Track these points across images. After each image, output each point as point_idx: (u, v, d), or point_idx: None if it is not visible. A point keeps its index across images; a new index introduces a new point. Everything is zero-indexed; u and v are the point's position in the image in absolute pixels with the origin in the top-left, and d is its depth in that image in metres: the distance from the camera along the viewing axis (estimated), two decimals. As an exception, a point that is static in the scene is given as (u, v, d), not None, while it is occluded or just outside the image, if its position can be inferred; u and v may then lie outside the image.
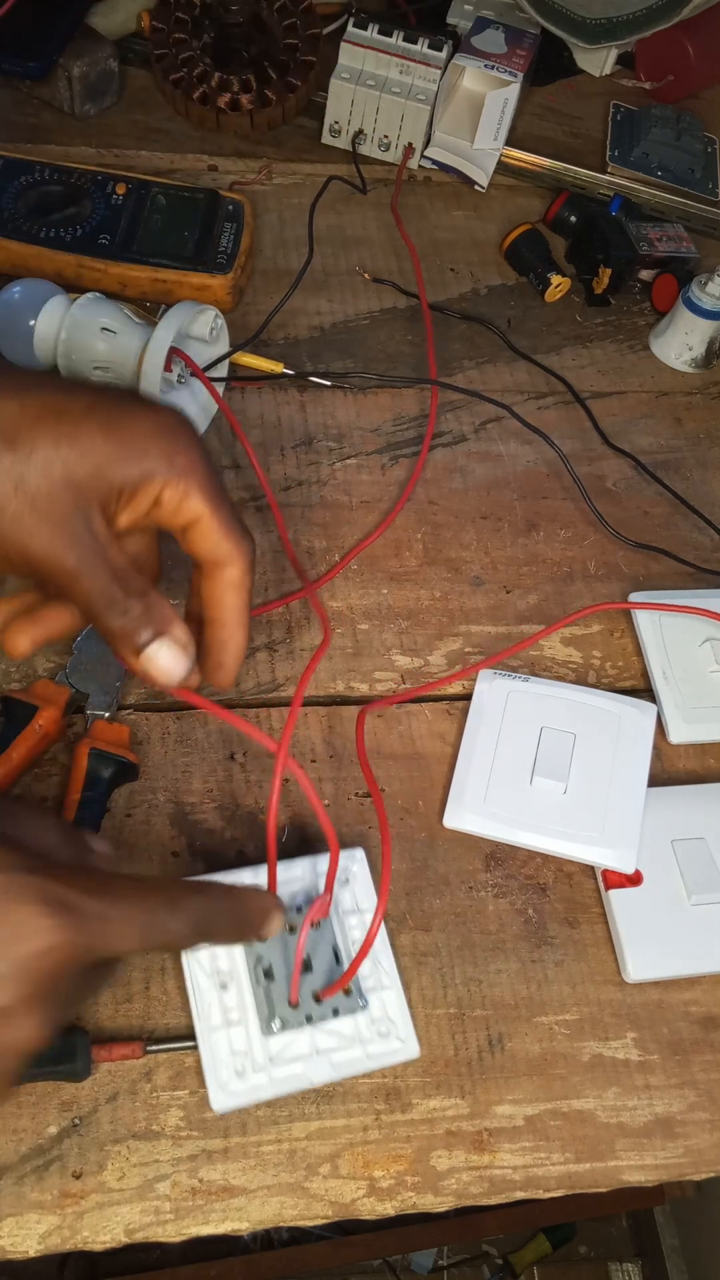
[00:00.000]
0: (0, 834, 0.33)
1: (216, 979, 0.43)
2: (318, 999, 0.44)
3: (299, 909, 0.45)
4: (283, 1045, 0.43)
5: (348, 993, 0.44)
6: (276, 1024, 0.43)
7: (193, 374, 0.60)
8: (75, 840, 0.37)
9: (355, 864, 0.47)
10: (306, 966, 0.44)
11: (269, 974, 0.44)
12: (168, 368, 0.56)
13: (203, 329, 0.60)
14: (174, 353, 0.57)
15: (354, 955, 0.43)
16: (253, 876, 0.46)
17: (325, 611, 0.56)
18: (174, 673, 0.39)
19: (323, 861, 0.46)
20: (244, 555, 0.41)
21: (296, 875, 0.46)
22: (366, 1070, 0.44)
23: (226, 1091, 0.42)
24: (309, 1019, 0.43)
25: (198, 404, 0.62)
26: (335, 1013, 0.43)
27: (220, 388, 0.62)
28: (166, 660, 0.38)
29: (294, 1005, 0.43)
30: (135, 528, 0.39)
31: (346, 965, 0.44)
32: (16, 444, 0.34)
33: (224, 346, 0.62)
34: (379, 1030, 0.44)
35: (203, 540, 0.40)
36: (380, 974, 0.45)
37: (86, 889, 0.32)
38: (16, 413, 0.35)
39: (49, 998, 0.31)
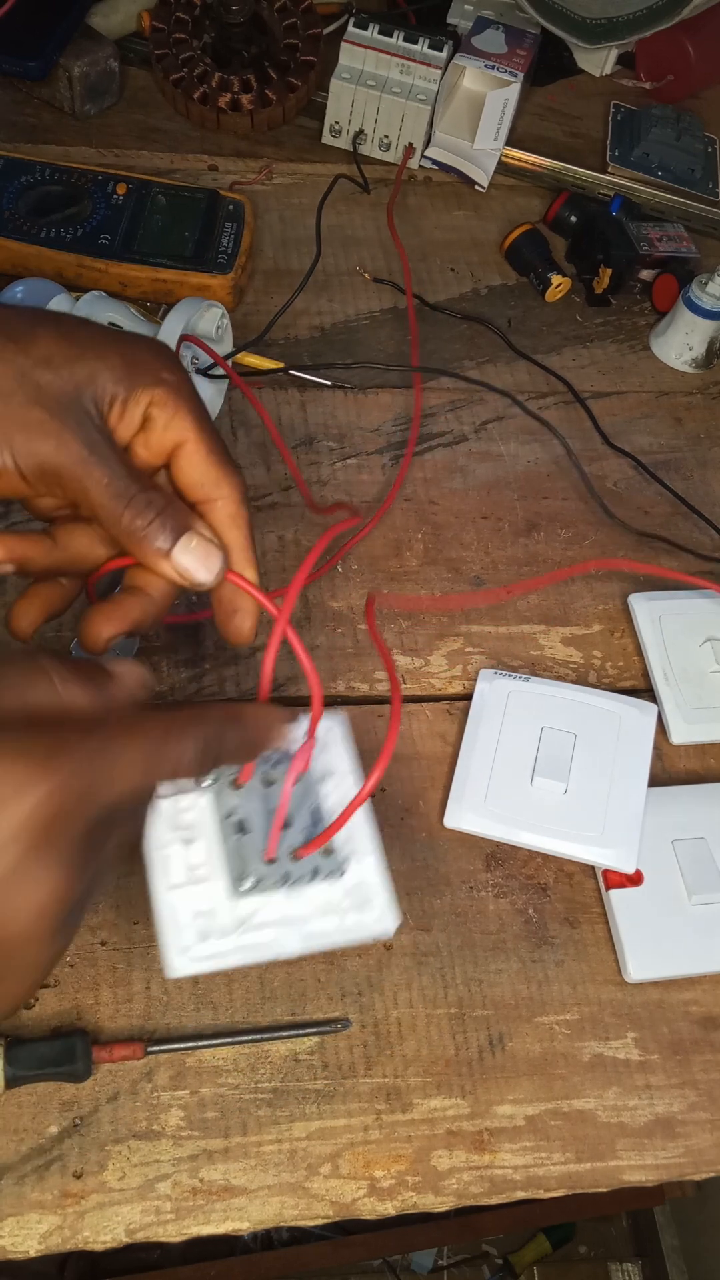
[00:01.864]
0: None
1: (180, 833, 0.39)
2: (295, 857, 0.39)
3: (275, 765, 0.40)
4: (253, 909, 0.38)
5: (328, 853, 0.40)
6: (249, 882, 0.38)
7: (201, 369, 0.60)
8: (79, 680, 0.33)
9: (338, 726, 0.42)
10: (285, 824, 0.40)
11: (242, 827, 0.39)
12: None
13: (209, 326, 0.60)
14: (186, 340, 0.56)
15: (335, 818, 0.39)
16: None
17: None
18: (209, 570, 0.37)
19: (307, 721, 0.41)
20: (237, 485, 0.39)
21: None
22: (341, 944, 0.39)
23: (187, 955, 0.37)
24: (286, 878, 0.39)
25: (204, 400, 0.62)
26: (314, 873, 0.39)
27: (223, 387, 0.62)
28: (198, 555, 0.37)
29: (270, 862, 0.39)
30: (125, 445, 0.38)
31: (326, 827, 0.40)
32: (18, 339, 0.35)
33: (228, 346, 0.62)
34: (355, 900, 0.39)
35: (192, 467, 0.38)
36: (357, 839, 0.40)
37: (75, 731, 0.30)
38: (15, 315, 0.36)
39: (61, 846, 0.29)
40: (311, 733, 0.40)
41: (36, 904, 0.29)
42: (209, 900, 0.38)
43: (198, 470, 0.38)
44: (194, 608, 0.55)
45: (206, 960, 0.38)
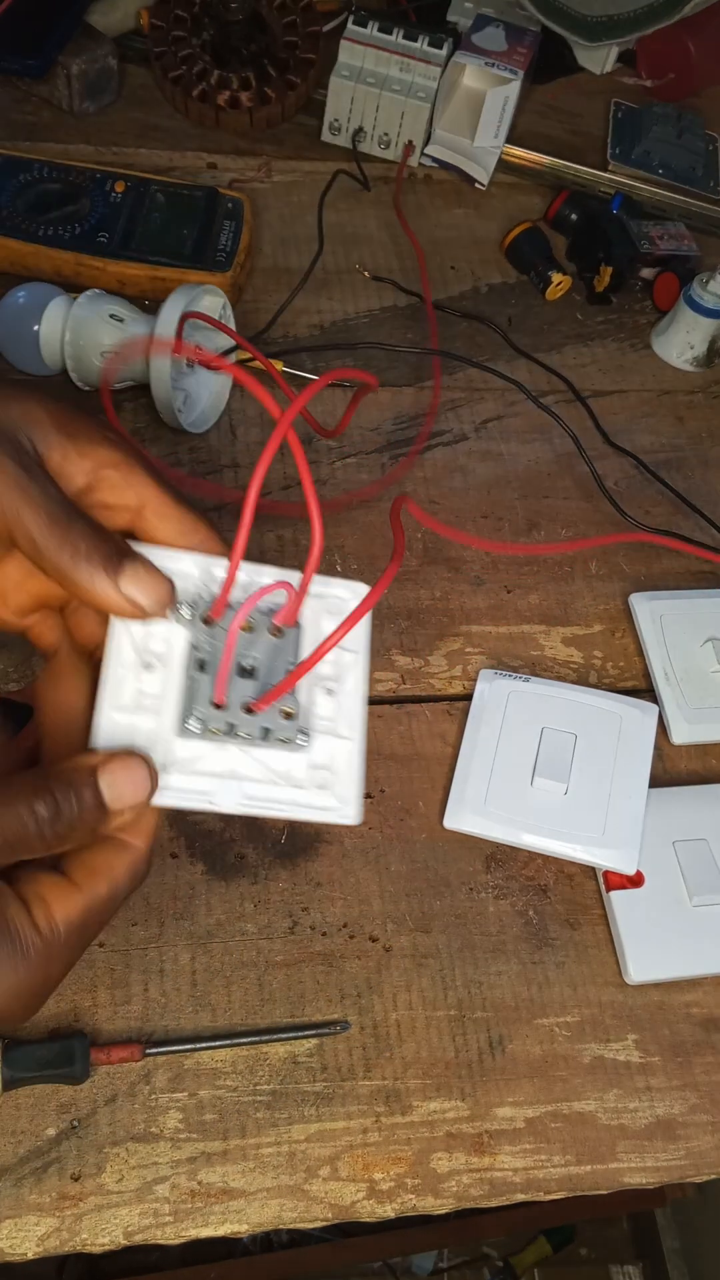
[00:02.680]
0: None
1: (142, 657, 0.36)
2: (250, 710, 0.36)
3: (264, 612, 0.37)
4: (195, 754, 0.35)
5: (288, 716, 0.36)
6: (194, 724, 0.35)
7: (205, 362, 0.59)
8: None
9: (354, 598, 0.38)
10: (249, 673, 0.36)
11: (202, 667, 0.36)
12: (177, 350, 0.55)
13: (210, 313, 0.59)
14: (190, 318, 0.56)
15: (310, 654, 0.35)
16: (207, 566, 0.36)
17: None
18: (156, 599, 0.34)
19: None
20: (212, 526, 0.37)
21: (270, 584, 0.37)
22: (285, 816, 0.36)
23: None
24: (231, 729, 0.36)
25: (209, 392, 0.62)
26: (265, 734, 0.36)
27: (228, 382, 0.62)
28: (146, 581, 0.34)
29: (218, 707, 0.35)
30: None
31: (298, 664, 0.36)
32: None
33: (229, 340, 0.62)
34: (316, 780, 0.36)
35: (164, 521, 0.36)
36: (340, 720, 0.37)
37: None
38: None
39: None
40: (304, 585, 0.36)
41: None
42: (149, 733, 0.35)
43: (172, 524, 0.36)
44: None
45: None
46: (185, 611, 0.36)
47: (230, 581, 0.35)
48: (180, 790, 0.35)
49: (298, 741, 0.36)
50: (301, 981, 0.47)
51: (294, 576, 0.37)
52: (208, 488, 0.57)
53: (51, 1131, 0.43)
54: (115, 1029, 0.45)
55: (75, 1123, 0.43)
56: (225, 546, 0.36)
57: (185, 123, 0.76)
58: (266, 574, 0.37)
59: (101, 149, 0.73)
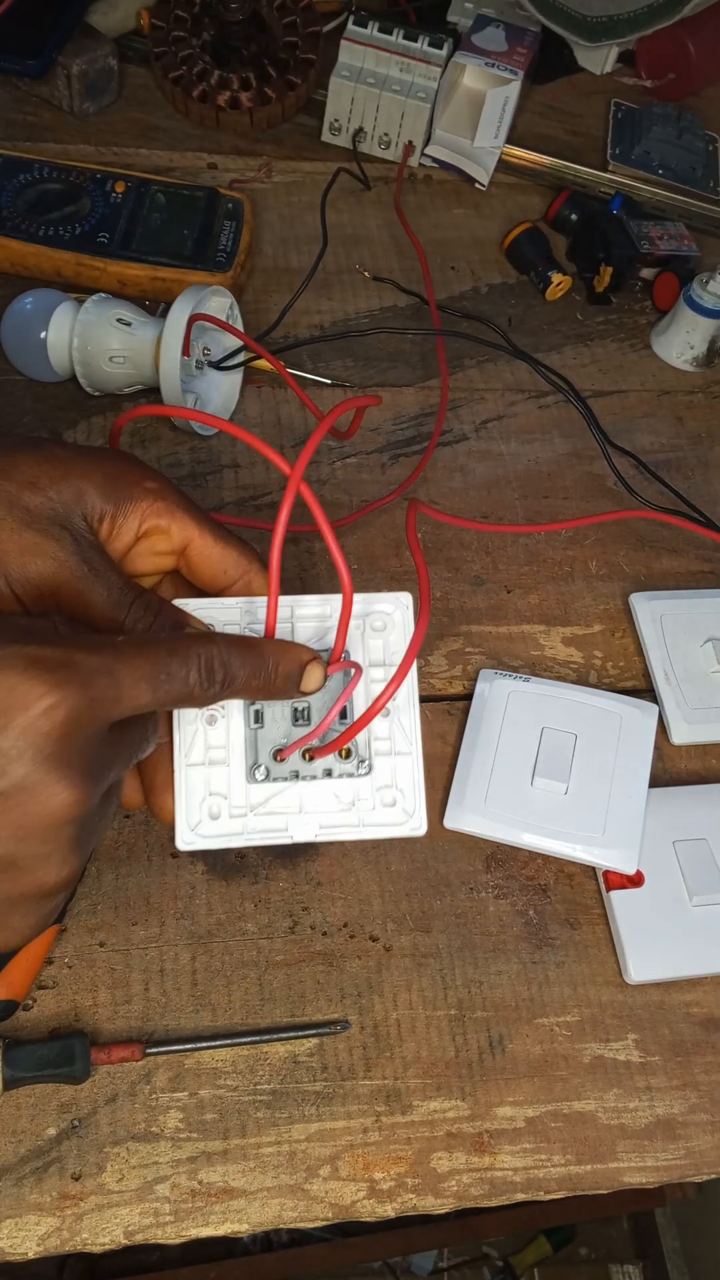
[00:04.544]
0: None
1: (205, 712, 0.38)
2: (309, 757, 0.38)
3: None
4: (267, 795, 0.38)
5: (346, 755, 0.39)
6: (261, 773, 0.38)
7: (214, 363, 0.60)
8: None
9: (398, 610, 0.40)
10: (302, 715, 0.39)
11: (259, 718, 0.39)
12: (186, 352, 0.55)
13: (217, 314, 0.59)
14: (198, 319, 0.56)
15: (363, 713, 0.37)
16: (250, 608, 0.39)
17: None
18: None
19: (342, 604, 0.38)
20: (254, 556, 0.39)
21: (312, 614, 0.39)
22: (358, 838, 0.39)
23: (196, 832, 0.38)
24: (296, 775, 0.38)
25: (219, 394, 0.62)
26: (328, 774, 0.39)
27: (237, 384, 0.62)
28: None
29: (280, 760, 0.38)
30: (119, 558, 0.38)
31: (351, 723, 0.38)
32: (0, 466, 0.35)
33: (236, 340, 0.62)
34: (383, 799, 0.39)
35: (207, 560, 0.39)
36: (399, 736, 0.39)
37: (82, 647, 0.31)
38: None
39: (70, 760, 0.30)
40: (340, 637, 0.38)
41: (49, 816, 0.30)
42: (224, 783, 0.38)
43: (215, 560, 0.39)
44: None
45: (214, 839, 0.38)
46: None
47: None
48: (260, 831, 0.38)
49: (359, 773, 0.39)
50: (302, 981, 0.47)
51: (333, 601, 0.39)
52: (243, 522, 0.57)
53: (52, 1131, 0.43)
54: (116, 1028, 0.45)
55: (76, 1122, 0.43)
56: (264, 571, 0.39)
57: (185, 123, 0.76)
58: (307, 603, 0.39)
59: (102, 149, 0.73)
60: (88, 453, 0.37)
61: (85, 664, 0.30)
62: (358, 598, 0.39)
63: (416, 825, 0.39)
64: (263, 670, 0.36)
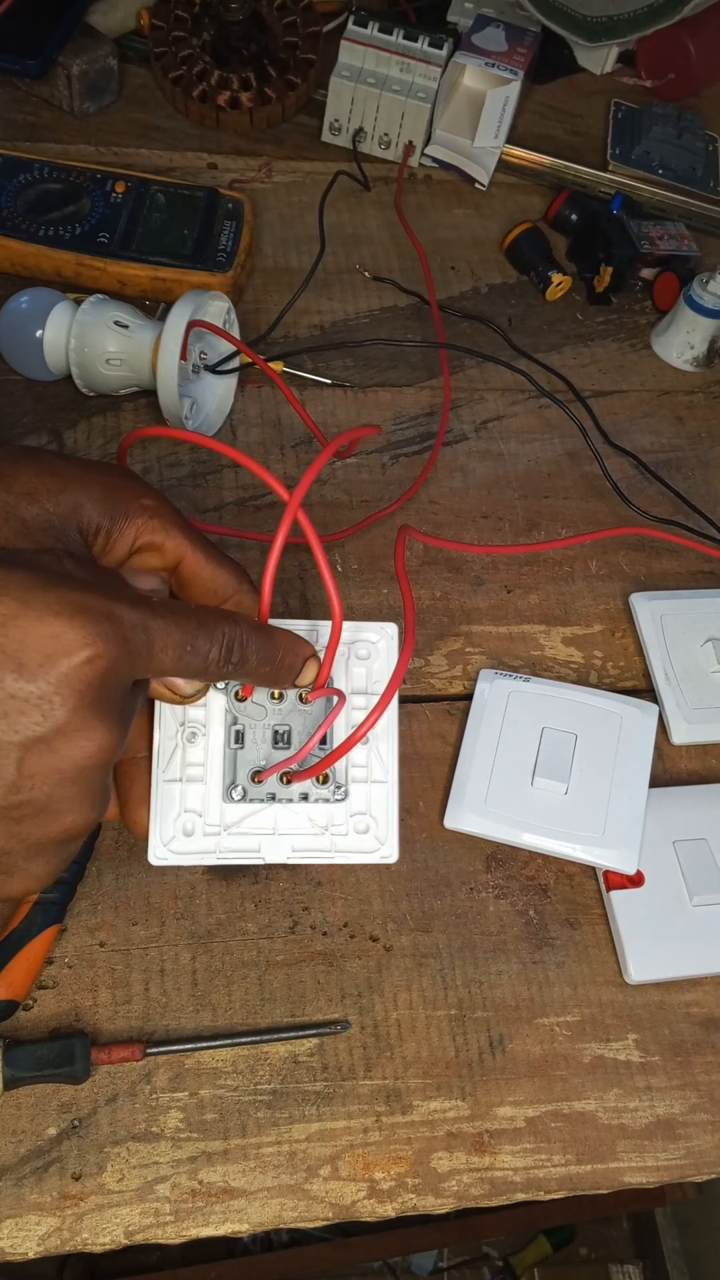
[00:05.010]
0: (31, 561, 0.32)
1: (185, 729, 0.39)
2: (288, 780, 0.39)
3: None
4: (242, 815, 0.39)
5: (323, 780, 0.40)
6: (238, 793, 0.39)
7: (210, 366, 0.60)
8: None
9: (383, 640, 0.41)
10: (282, 738, 0.40)
11: (240, 739, 0.39)
12: (183, 357, 0.55)
13: (215, 319, 0.59)
14: (196, 326, 0.56)
15: (343, 740, 0.38)
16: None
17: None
18: (194, 687, 0.38)
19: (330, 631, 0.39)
20: (244, 576, 0.40)
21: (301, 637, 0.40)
22: (329, 862, 0.40)
23: (169, 847, 0.39)
24: (272, 798, 0.39)
25: (215, 397, 0.62)
26: (304, 798, 0.40)
27: (232, 386, 0.62)
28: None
29: (258, 782, 0.39)
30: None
31: (330, 750, 0.39)
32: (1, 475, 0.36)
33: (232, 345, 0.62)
34: (356, 826, 0.40)
35: (198, 578, 0.39)
36: (375, 765, 0.40)
37: (123, 600, 0.31)
38: None
39: (103, 709, 0.31)
40: (327, 663, 0.38)
41: (85, 760, 0.31)
42: (200, 800, 0.39)
43: (206, 579, 0.39)
44: None
45: (187, 855, 0.39)
46: (220, 684, 0.39)
47: (251, 688, 0.39)
48: (233, 850, 0.39)
49: (335, 798, 0.40)
50: (302, 981, 0.47)
51: (323, 627, 0.40)
52: (243, 534, 0.57)
53: (52, 1131, 0.43)
54: (116, 1028, 0.45)
55: (76, 1122, 0.43)
56: (257, 595, 0.39)
57: (185, 123, 0.76)
58: (296, 628, 0.40)
59: (102, 149, 0.73)
60: (87, 466, 0.38)
61: (127, 619, 0.31)
62: (345, 625, 0.39)
63: (387, 854, 0.40)
64: (273, 658, 0.37)
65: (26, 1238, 0.41)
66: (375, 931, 0.48)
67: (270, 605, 0.37)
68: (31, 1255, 0.41)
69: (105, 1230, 0.41)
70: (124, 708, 0.32)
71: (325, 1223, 0.43)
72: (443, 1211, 0.44)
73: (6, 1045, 0.43)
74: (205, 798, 0.39)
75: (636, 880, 0.50)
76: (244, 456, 0.38)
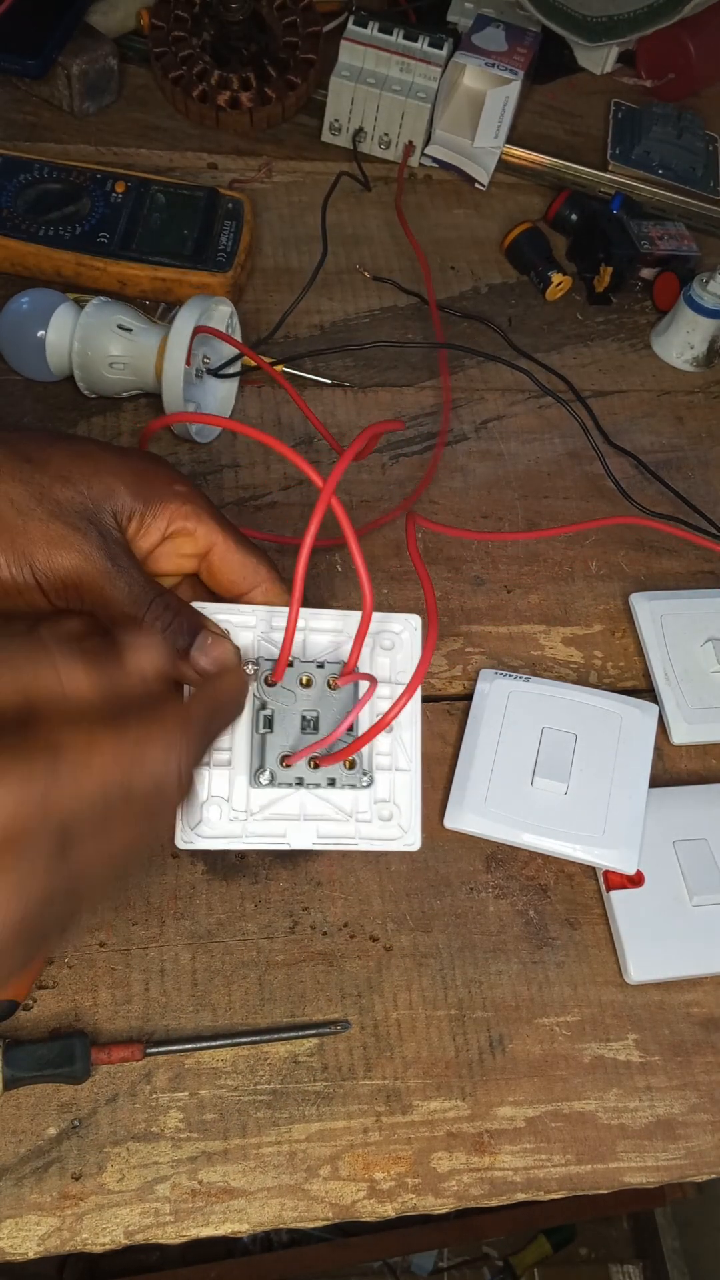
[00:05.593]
0: None
1: None
2: (315, 765, 0.40)
3: (320, 665, 0.40)
4: (269, 800, 0.39)
5: (350, 766, 0.40)
6: (265, 777, 0.39)
7: (213, 370, 0.60)
8: (84, 663, 0.31)
9: (407, 631, 0.42)
10: (310, 723, 0.40)
11: (269, 723, 0.40)
12: (188, 362, 0.55)
13: (219, 324, 0.59)
14: (201, 332, 0.56)
15: (370, 727, 0.39)
16: (268, 617, 0.40)
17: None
18: (228, 659, 0.38)
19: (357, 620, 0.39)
20: (270, 566, 0.40)
21: (328, 628, 0.41)
22: (354, 849, 0.40)
23: (196, 831, 0.38)
24: (299, 783, 0.39)
25: (216, 399, 0.62)
26: (331, 783, 0.40)
27: (233, 390, 0.62)
28: (214, 653, 0.38)
29: (286, 766, 0.39)
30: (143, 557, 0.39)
31: (358, 735, 0.39)
32: (34, 458, 0.36)
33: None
34: (380, 813, 0.40)
35: (227, 565, 0.40)
36: (399, 753, 0.41)
37: (43, 729, 0.28)
38: (29, 437, 0.37)
39: (7, 861, 0.27)
40: (355, 651, 0.39)
41: None
42: (226, 785, 0.39)
43: (234, 566, 0.40)
44: None
45: (213, 840, 0.39)
46: (250, 669, 0.39)
47: (285, 655, 0.39)
48: (259, 835, 0.39)
49: (361, 784, 0.40)
50: (302, 981, 0.47)
51: (350, 617, 0.41)
52: (266, 536, 0.57)
53: (52, 1131, 0.43)
54: (116, 1028, 0.45)
55: (76, 1122, 0.43)
56: (283, 585, 0.40)
57: (185, 123, 0.76)
58: (324, 617, 0.41)
59: (102, 149, 0.73)
60: (120, 452, 0.38)
61: (35, 758, 0.28)
62: (351, 615, 0.40)
63: (410, 841, 0.40)
64: (226, 720, 0.36)
65: (26, 1238, 0.41)
66: (375, 931, 0.48)
67: (303, 590, 0.37)
68: (31, 1255, 0.41)
69: (105, 1230, 0.41)
70: (56, 854, 0.28)
71: (325, 1223, 0.43)
72: (443, 1211, 0.44)
73: (6, 1045, 0.43)
74: (231, 783, 0.39)
75: (636, 880, 0.50)
76: (282, 444, 0.38)
